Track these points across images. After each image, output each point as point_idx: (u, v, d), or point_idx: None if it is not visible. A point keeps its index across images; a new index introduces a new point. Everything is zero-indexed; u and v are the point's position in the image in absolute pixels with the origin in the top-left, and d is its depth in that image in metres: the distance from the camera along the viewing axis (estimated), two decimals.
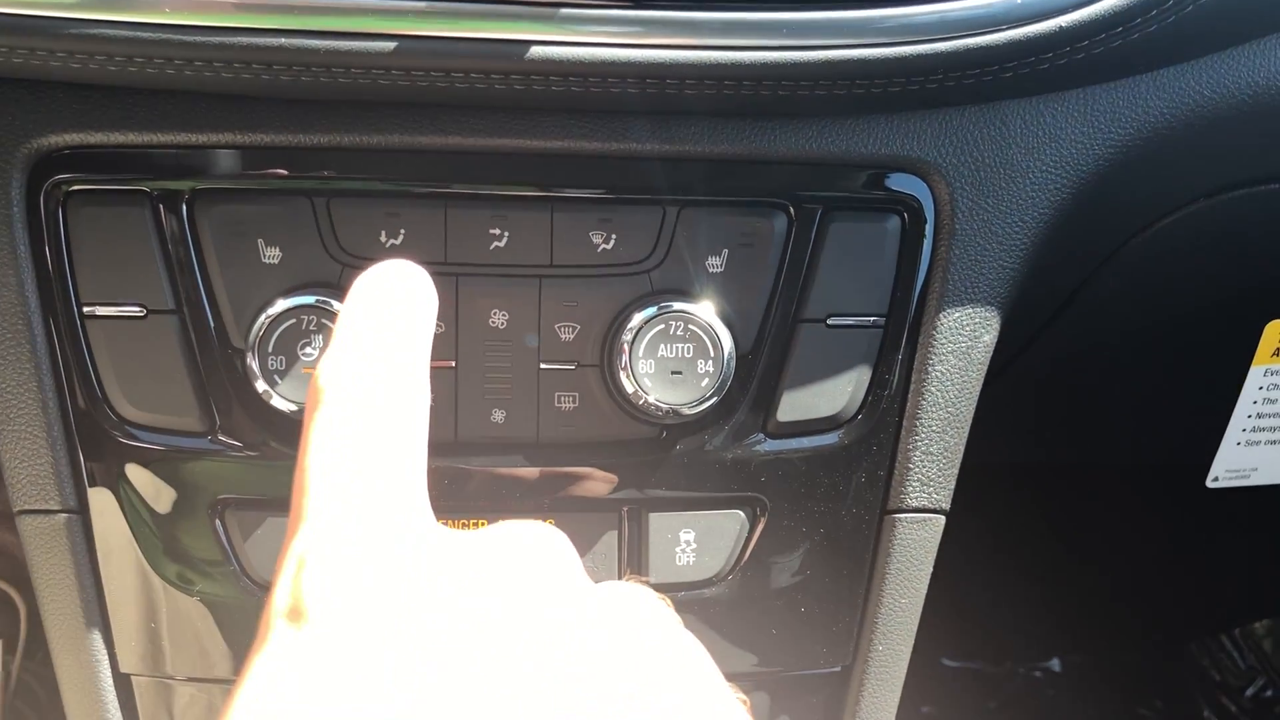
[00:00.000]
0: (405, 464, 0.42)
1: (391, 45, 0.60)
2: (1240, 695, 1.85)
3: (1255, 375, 1.04)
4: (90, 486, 0.72)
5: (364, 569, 0.37)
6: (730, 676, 0.77)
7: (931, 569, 0.78)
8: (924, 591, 0.78)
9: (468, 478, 0.73)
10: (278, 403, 0.68)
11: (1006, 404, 0.93)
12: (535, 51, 0.61)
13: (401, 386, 0.44)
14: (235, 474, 0.72)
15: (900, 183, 0.73)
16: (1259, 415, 1.08)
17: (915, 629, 0.79)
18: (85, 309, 0.69)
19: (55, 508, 0.72)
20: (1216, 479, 1.12)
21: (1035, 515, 1.97)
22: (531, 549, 0.41)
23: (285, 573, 0.38)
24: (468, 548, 0.40)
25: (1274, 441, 1.10)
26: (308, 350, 0.68)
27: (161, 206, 0.68)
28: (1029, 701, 1.89)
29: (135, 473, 0.71)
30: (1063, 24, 0.64)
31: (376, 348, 0.45)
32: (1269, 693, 1.84)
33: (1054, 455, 1.52)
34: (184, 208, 0.68)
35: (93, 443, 0.71)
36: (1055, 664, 1.93)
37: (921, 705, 1.83)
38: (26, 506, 0.72)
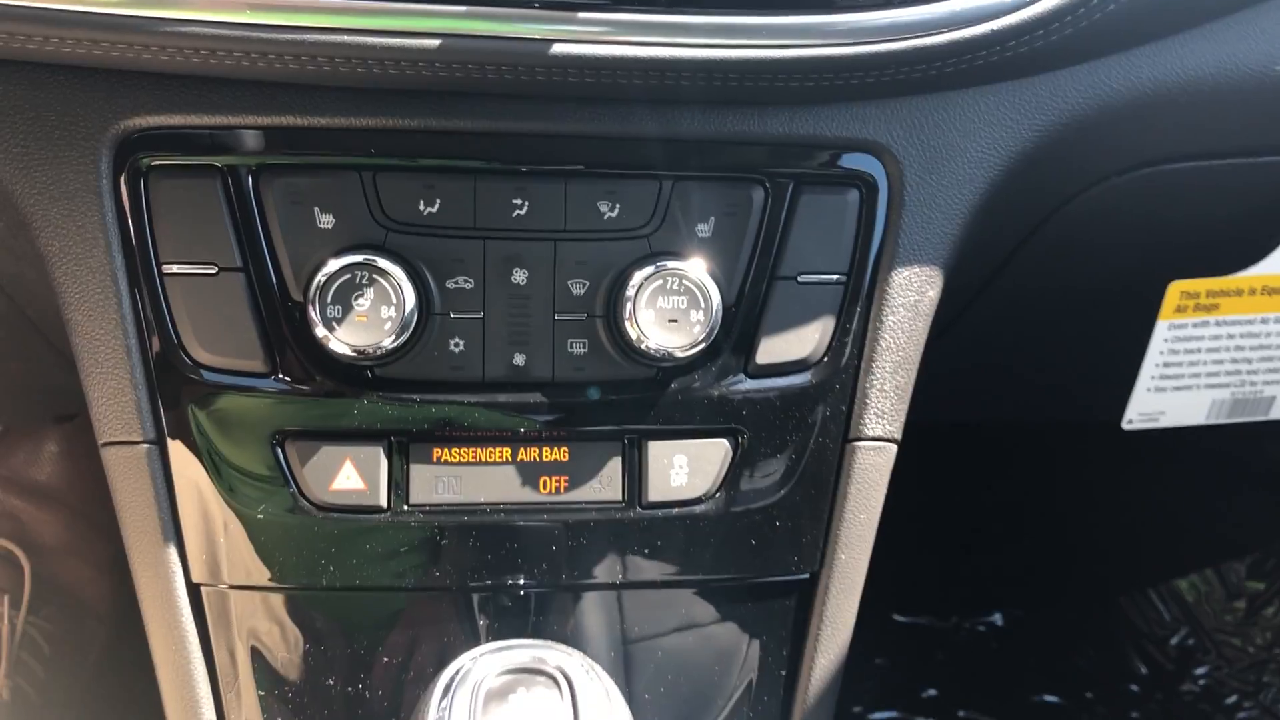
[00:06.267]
0: None
1: (436, 43, 0.69)
2: (1166, 645, 1.91)
3: (1161, 329, 1.15)
4: (168, 420, 0.80)
5: None
6: (717, 582, 0.85)
7: (886, 489, 0.88)
8: (879, 508, 0.88)
9: (494, 410, 0.82)
10: (335, 346, 0.76)
11: (951, 363, 1.01)
12: (556, 49, 0.70)
13: None
14: (294, 409, 0.80)
15: (858, 161, 0.82)
16: (1165, 365, 1.18)
17: (872, 541, 0.89)
18: (164, 268, 0.77)
19: (137, 439, 0.80)
20: (1131, 421, 1.21)
21: (979, 477, 2.03)
22: None
23: None
24: None
25: (1179, 388, 1.20)
26: (359, 301, 0.76)
27: (231, 179, 0.77)
28: (974, 653, 1.93)
29: (207, 408, 0.79)
30: (994, 28, 0.73)
31: None
32: (1191, 641, 1.90)
33: (993, 413, 1.58)
34: (250, 180, 0.77)
35: (170, 383, 0.79)
36: (998, 618, 1.97)
37: (875, 658, 1.89)
38: (112, 438, 0.80)
